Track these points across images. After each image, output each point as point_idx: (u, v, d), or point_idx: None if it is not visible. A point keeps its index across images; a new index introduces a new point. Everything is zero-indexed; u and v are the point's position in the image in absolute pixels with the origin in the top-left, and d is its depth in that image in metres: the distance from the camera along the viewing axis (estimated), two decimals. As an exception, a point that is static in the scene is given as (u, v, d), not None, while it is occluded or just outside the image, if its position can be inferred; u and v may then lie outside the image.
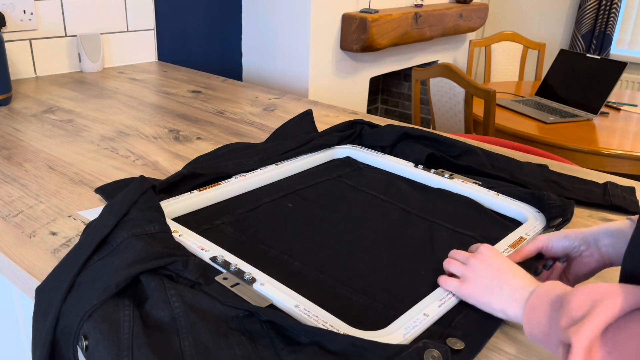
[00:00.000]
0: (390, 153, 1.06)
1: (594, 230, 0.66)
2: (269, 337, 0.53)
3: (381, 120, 1.29)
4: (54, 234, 0.75)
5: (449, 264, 0.65)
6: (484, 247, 0.63)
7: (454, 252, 0.67)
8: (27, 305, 0.78)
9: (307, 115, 1.20)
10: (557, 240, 0.67)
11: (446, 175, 0.95)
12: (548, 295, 0.52)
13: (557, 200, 0.84)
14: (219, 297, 0.57)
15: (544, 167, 1.02)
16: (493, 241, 0.75)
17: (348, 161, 1.06)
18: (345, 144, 1.11)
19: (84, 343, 0.52)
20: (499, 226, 0.83)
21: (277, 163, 0.98)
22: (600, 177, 1.03)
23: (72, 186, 0.90)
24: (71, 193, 0.87)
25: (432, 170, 0.98)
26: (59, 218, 0.79)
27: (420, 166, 1.00)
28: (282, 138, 1.11)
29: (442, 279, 0.64)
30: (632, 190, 0.95)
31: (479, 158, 1.02)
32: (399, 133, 1.08)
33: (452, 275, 0.65)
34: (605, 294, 0.45)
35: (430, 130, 1.14)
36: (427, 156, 1.01)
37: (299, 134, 1.12)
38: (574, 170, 1.07)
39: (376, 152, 1.07)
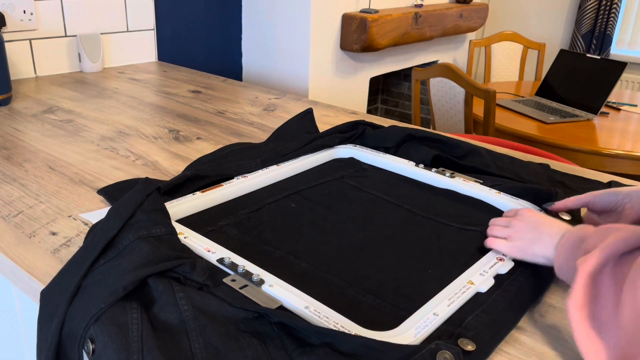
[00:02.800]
0: (395, 154, 1.06)
1: None
2: (279, 338, 0.52)
3: (382, 121, 1.28)
4: (54, 234, 0.74)
5: (492, 230, 0.73)
6: (523, 210, 0.72)
7: (494, 220, 0.75)
8: (27, 305, 0.78)
9: (308, 115, 1.20)
10: (603, 196, 0.73)
11: (447, 174, 0.95)
12: (573, 236, 0.59)
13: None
14: (227, 299, 0.56)
15: (545, 166, 1.02)
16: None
17: (351, 162, 1.05)
18: (347, 144, 1.10)
19: (91, 347, 0.51)
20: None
21: (279, 164, 0.98)
22: (600, 178, 1.02)
23: (72, 186, 0.89)
24: (71, 193, 0.87)
25: (434, 170, 0.97)
26: (59, 218, 0.78)
27: (422, 165, 0.99)
28: (282, 138, 1.10)
29: (490, 240, 0.71)
30: None
31: (483, 158, 1.02)
32: (403, 134, 1.07)
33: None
34: (616, 229, 0.50)
35: (434, 131, 1.13)
36: (433, 158, 1.00)
37: (299, 134, 1.11)
38: (575, 170, 1.07)
39: (377, 152, 1.06)
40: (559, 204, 0.79)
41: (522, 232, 0.68)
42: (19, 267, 0.66)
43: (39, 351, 0.56)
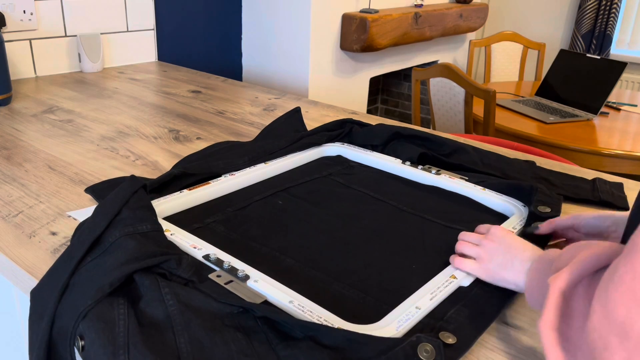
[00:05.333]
0: (382, 152, 1.07)
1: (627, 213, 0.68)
2: (264, 332, 0.53)
3: (374, 120, 1.29)
4: (54, 234, 0.75)
5: (461, 247, 0.68)
6: (495, 228, 0.67)
7: (464, 235, 0.71)
8: (27, 306, 0.78)
9: (296, 113, 1.21)
10: (590, 219, 0.70)
11: (433, 171, 0.96)
12: (544, 260, 0.56)
13: (547, 196, 0.85)
14: (213, 295, 0.57)
15: (531, 163, 1.03)
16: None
17: (339, 160, 1.06)
18: (334, 143, 1.11)
19: (81, 343, 0.52)
20: (490, 220, 0.84)
21: (267, 161, 0.98)
22: (585, 174, 1.03)
23: (72, 186, 0.90)
24: (71, 193, 0.87)
25: (420, 167, 0.99)
26: (59, 218, 0.79)
27: (408, 162, 1.00)
28: (270, 136, 1.11)
29: (457, 260, 0.67)
30: (620, 186, 0.96)
31: (469, 156, 1.03)
32: (390, 132, 1.08)
33: (463, 256, 0.68)
34: (587, 246, 0.47)
35: (422, 129, 1.14)
36: (419, 156, 1.01)
37: (287, 133, 1.12)
38: (574, 170, 1.07)
39: (364, 149, 1.07)
40: (544, 227, 0.75)
41: (493, 254, 0.64)
42: (19, 267, 0.67)
43: (30, 350, 0.57)
